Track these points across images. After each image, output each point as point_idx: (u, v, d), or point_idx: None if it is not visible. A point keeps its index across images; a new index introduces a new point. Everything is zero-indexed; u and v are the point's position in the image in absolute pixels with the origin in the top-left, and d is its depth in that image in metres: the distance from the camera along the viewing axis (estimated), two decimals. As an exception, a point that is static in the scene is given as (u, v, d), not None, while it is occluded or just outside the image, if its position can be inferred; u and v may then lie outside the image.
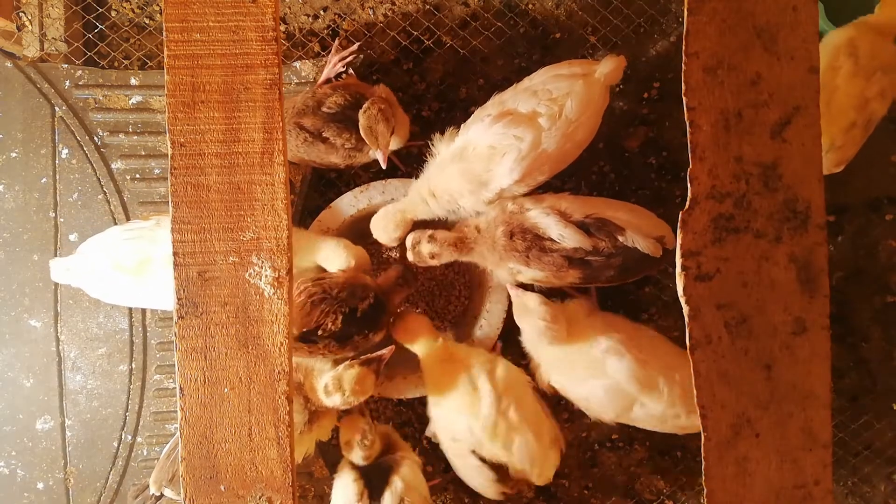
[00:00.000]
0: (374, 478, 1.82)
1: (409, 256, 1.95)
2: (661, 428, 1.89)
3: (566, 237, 1.78)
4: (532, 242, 1.81)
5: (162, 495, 1.91)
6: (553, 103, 1.80)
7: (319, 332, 1.78)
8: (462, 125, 1.93)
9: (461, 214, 1.95)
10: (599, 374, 1.79)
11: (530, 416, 1.84)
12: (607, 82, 1.85)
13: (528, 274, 1.87)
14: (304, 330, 1.78)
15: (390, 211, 1.99)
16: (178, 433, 1.91)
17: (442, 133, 1.94)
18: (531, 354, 1.94)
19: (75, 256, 1.92)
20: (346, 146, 1.96)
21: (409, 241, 1.94)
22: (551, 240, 1.80)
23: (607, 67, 1.83)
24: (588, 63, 1.89)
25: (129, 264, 1.83)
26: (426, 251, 1.91)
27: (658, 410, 1.80)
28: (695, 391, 1.30)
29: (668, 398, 1.78)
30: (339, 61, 2.18)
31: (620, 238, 1.79)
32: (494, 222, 1.86)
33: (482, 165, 1.83)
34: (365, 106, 1.89)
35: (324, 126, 1.95)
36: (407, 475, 1.82)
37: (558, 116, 1.79)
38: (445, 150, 1.92)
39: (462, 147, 1.87)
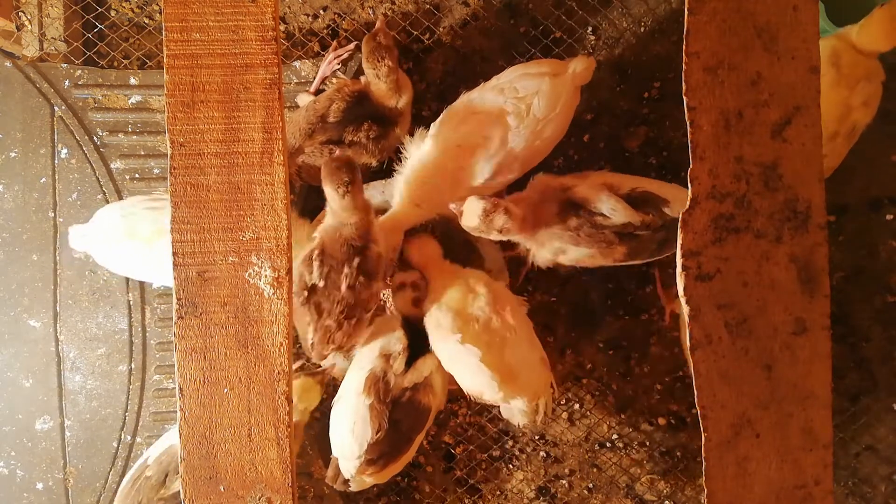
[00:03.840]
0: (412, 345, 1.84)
1: (473, 221, 1.79)
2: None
3: (618, 211, 1.78)
4: (584, 219, 1.79)
5: None
6: (520, 102, 1.81)
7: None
8: (431, 124, 1.93)
9: (447, 214, 1.95)
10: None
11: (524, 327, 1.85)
12: (577, 82, 1.86)
13: (574, 254, 1.85)
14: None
15: (381, 221, 1.98)
16: (144, 458, 1.90)
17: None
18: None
19: (92, 222, 1.93)
20: (371, 136, 1.95)
21: (475, 208, 1.77)
22: (602, 215, 1.79)
23: (577, 67, 1.85)
24: (557, 62, 1.90)
25: (144, 233, 1.83)
26: (499, 223, 1.76)
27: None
28: (695, 391, 1.30)
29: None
30: (335, 59, 2.17)
31: (666, 210, 1.78)
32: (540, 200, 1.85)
33: (453, 164, 1.83)
34: (363, 41, 1.93)
35: (341, 133, 1.95)
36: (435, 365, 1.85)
37: (526, 115, 1.80)
38: (416, 152, 1.91)
39: (431, 148, 1.87)
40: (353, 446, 1.76)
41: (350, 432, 1.77)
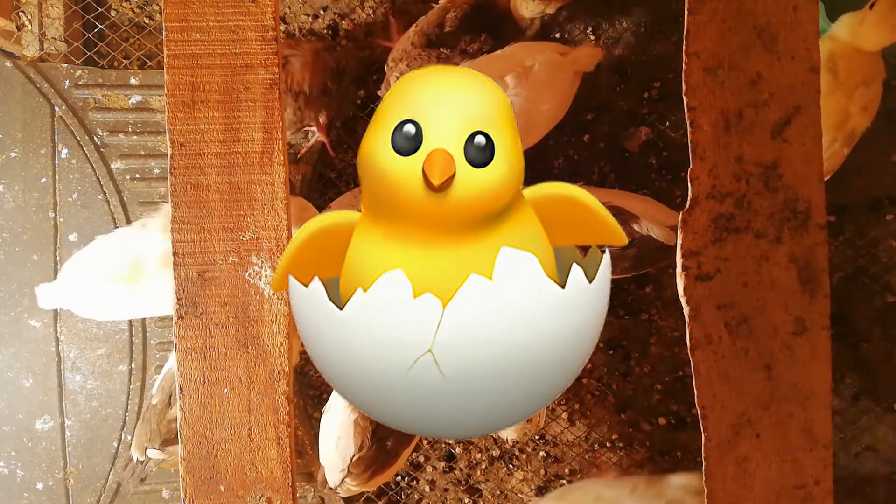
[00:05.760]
0: None
1: None
2: None
3: None
4: None
5: (148, 459, 1.89)
6: (519, 65, 1.78)
7: None
8: None
9: None
10: None
11: None
12: (577, 66, 1.85)
13: None
14: None
15: None
16: (153, 388, 1.90)
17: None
18: None
19: (61, 278, 1.84)
20: (485, 50, 1.90)
21: None
22: None
23: (581, 52, 1.85)
24: (561, 45, 1.90)
25: (120, 271, 1.76)
26: None
27: None
28: (695, 391, 1.30)
29: None
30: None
31: (635, 226, 1.77)
32: None
33: None
34: None
35: (456, 42, 1.89)
36: None
37: (526, 77, 1.78)
38: None
39: None
40: (337, 460, 1.75)
41: (334, 446, 1.75)
